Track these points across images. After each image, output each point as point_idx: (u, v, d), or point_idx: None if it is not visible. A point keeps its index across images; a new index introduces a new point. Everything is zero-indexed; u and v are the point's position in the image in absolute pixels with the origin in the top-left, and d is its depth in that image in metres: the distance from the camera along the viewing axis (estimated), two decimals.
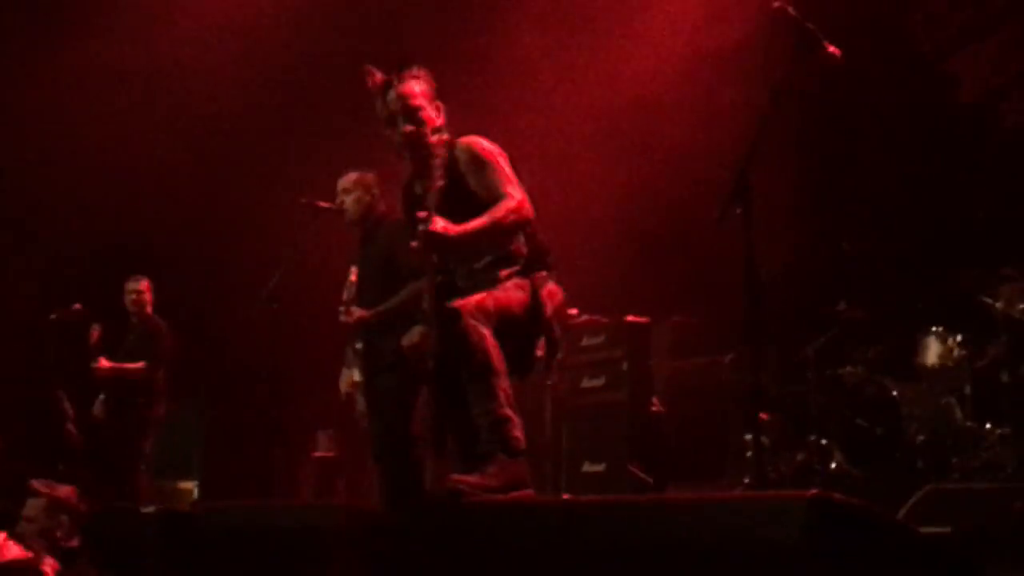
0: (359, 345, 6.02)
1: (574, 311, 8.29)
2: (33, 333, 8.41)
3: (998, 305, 6.72)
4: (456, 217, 4.06)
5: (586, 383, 7.81)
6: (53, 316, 8.09)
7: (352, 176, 6.16)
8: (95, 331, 8.04)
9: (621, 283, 8.40)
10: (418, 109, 4.26)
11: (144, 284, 8.46)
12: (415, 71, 4.33)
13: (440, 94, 4.34)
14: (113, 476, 8.00)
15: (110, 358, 8.13)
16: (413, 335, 4.48)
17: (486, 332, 4.01)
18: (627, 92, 8.02)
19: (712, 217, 3.67)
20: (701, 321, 8.00)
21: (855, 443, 7.01)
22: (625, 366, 7.63)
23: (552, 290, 4.33)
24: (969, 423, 6.78)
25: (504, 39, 8.24)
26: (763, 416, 7.39)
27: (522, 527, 3.41)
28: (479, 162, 4.21)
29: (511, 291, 4.21)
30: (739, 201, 3.60)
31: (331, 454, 9.72)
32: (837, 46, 3.98)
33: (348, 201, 6.11)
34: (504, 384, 4.03)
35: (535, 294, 4.26)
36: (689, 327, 8.08)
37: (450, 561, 3.72)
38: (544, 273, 4.33)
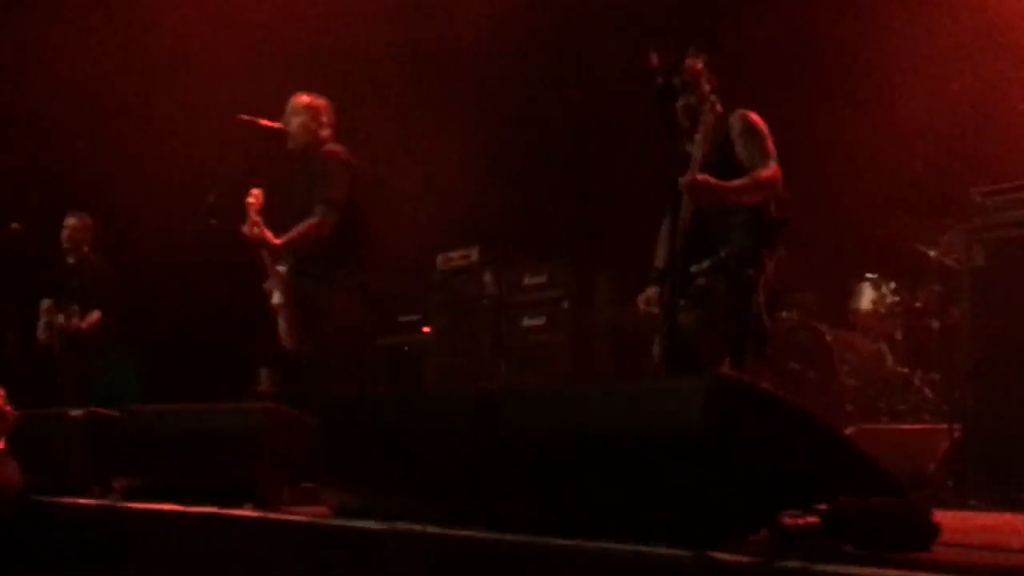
0: (282, 268, 5.98)
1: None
2: None
3: (932, 254, 6.82)
4: (716, 176, 4.60)
5: (526, 322, 7.85)
6: None
7: (303, 99, 6.12)
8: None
9: (565, 223, 8.43)
10: (698, 84, 4.78)
11: (86, 222, 8.22)
12: (694, 51, 4.84)
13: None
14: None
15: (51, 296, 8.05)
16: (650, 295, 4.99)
17: None
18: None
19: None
20: (644, 266, 8.04)
21: (787, 386, 7.09)
22: (566, 306, 7.68)
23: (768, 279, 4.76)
24: (900, 368, 6.91)
25: None
26: None
27: (437, 416, 3.46)
28: (751, 132, 4.78)
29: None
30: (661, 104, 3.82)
31: (273, 391, 9.67)
32: None
33: (294, 124, 6.08)
34: None
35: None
36: (632, 271, 8.11)
37: (369, 451, 3.76)
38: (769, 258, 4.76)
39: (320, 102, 6.16)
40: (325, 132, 6.14)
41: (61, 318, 8.03)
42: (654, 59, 4.64)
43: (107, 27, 9.15)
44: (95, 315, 8.08)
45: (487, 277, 8.11)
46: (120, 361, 9.18)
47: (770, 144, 4.78)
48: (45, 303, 8.07)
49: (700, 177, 4.53)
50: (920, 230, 6.91)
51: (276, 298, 5.99)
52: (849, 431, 5.92)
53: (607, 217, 8.33)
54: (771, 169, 4.71)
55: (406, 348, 8.66)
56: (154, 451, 4.78)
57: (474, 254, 8.23)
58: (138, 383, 9.61)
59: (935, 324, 6.72)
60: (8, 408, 5.01)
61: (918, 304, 7.00)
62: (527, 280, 7.91)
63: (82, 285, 8.14)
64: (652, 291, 5.03)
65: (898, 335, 7.05)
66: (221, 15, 8.66)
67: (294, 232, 5.92)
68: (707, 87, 4.82)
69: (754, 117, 4.84)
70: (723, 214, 4.76)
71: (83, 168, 9.04)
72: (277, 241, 5.89)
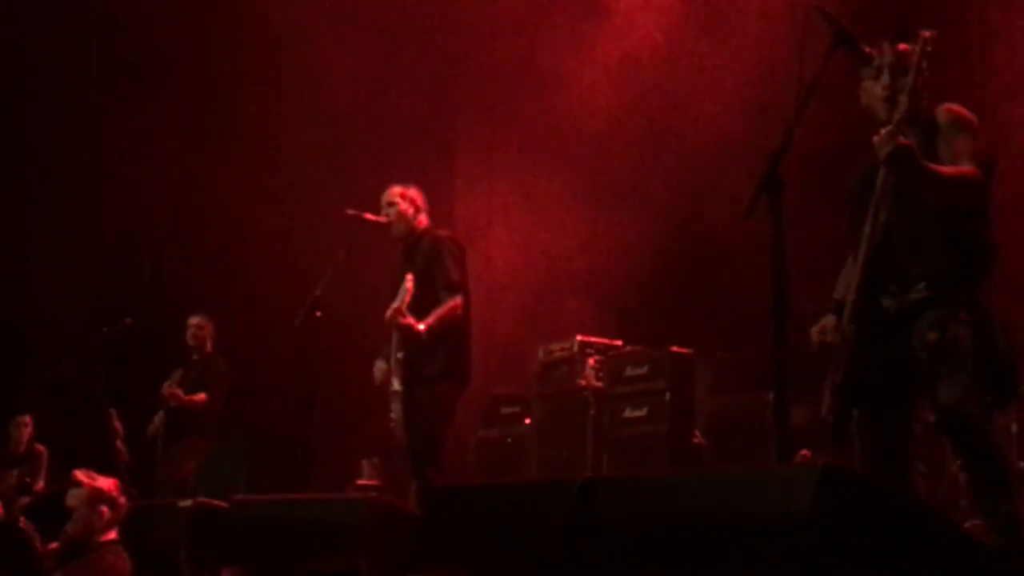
0: (400, 354, 6.08)
1: (618, 342, 8.35)
2: (85, 347, 8.60)
3: None
4: None
5: (628, 413, 7.80)
6: (105, 330, 8.29)
7: (396, 189, 6.34)
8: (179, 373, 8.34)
9: (666, 314, 8.40)
10: (914, 64, 4.09)
11: (204, 321, 8.82)
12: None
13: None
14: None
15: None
16: (825, 323, 4.27)
17: None
18: (669, 114, 8.12)
19: (741, 212, 3.67)
20: (746, 355, 7.96)
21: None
22: (667, 397, 7.62)
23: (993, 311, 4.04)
24: (1017, 463, 6.69)
25: (540, 54, 8.43)
26: (805, 453, 7.33)
27: (541, 505, 3.44)
28: (960, 125, 4.11)
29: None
30: (769, 195, 3.62)
31: (375, 483, 9.71)
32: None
33: (392, 213, 6.27)
34: None
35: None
36: (733, 361, 8.04)
37: (475, 544, 3.74)
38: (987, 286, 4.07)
39: (413, 190, 6.37)
40: (422, 218, 6.34)
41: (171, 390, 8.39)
42: (868, 50, 4.11)
43: (210, 140, 9.53)
44: (200, 395, 8.50)
45: (588, 369, 8.11)
46: (228, 452, 9.37)
47: (978, 143, 4.07)
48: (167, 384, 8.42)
49: (905, 141, 3.83)
50: None
51: (395, 385, 6.06)
52: (965, 527, 5.74)
53: (707, 306, 8.30)
54: (970, 169, 3.98)
55: (508, 440, 8.65)
56: (260, 542, 4.82)
57: (575, 345, 8.23)
58: (245, 474, 9.78)
59: None
60: (122, 499, 5.11)
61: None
62: (628, 371, 7.89)
63: (200, 378, 8.61)
64: (829, 319, 4.27)
65: (1013, 427, 6.83)
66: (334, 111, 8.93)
67: (432, 318, 6.01)
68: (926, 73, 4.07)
69: (965, 111, 4.16)
70: (921, 225, 4.04)
71: (190, 269, 9.36)
72: (421, 326, 5.96)
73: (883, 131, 3.91)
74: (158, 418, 8.56)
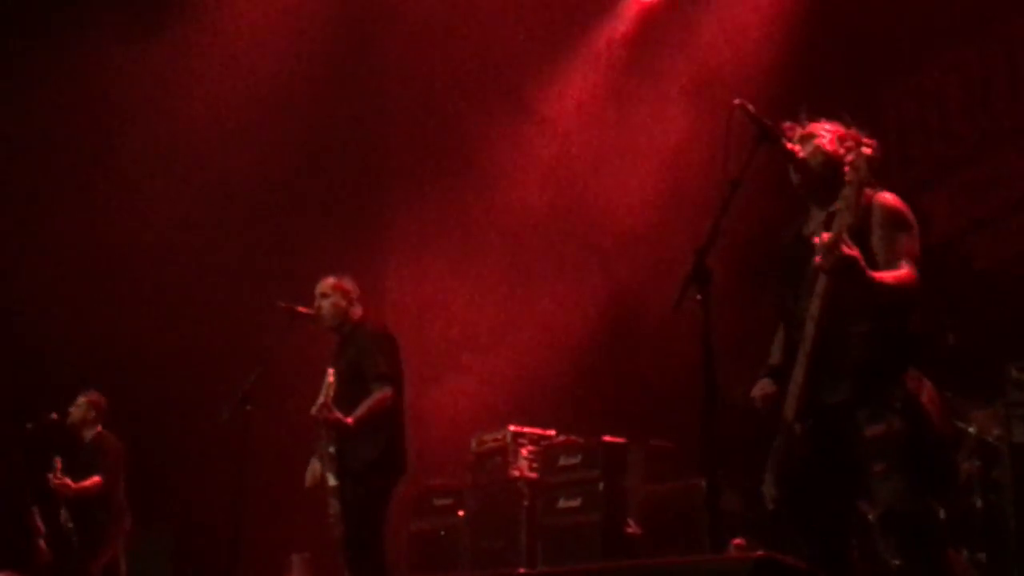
0: (332, 449, 6.04)
1: (551, 432, 8.35)
2: (8, 443, 8.38)
3: (971, 430, 6.75)
4: None
5: (562, 503, 7.78)
6: (29, 426, 8.07)
7: (330, 281, 6.34)
8: (57, 461, 8.04)
9: (598, 404, 8.44)
10: (823, 151, 4.17)
11: (98, 400, 8.43)
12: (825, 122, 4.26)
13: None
14: None
15: (70, 477, 8.12)
16: (766, 388, 4.21)
17: None
18: (601, 206, 8.25)
19: (671, 304, 3.73)
20: (678, 443, 8.01)
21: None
22: (601, 487, 7.63)
23: (932, 394, 4.00)
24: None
25: (475, 149, 8.55)
26: (737, 541, 7.35)
27: None
28: (897, 222, 4.01)
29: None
30: (697, 286, 3.69)
31: None
32: None
33: (325, 306, 6.27)
34: None
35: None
36: (666, 449, 8.08)
37: None
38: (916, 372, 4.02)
39: (345, 281, 6.40)
40: (355, 308, 6.35)
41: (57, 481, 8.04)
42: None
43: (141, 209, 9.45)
44: (94, 478, 8.12)
45: (521, 459, 8.09)
46: (153, 545, 9.14)
47: (915, 243, 4.00)
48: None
49: (849, 249, 3.71)
50: (956, 406, 6.85)
51: (331, 480, 6.01)
52: None
53: (639, 395, 8.35)
54: (911, 274, 3.92)
55: (441, 532, 8.56)
56: None
57: (507, 435, 8.22)
58: (170, 568, 9.56)
59: (978, 502, 6.60)
60: None
61: (959, 482, 6.87)
62: (562, 461, 7.89)
63: (93, 461, 8.26)
64: (768, 384, 4.24)
65: (941, 513, 6.89)
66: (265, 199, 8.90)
67: (362, 410, 5.99)
68: (848, 155, 4.02)
69: (903, 205, 4.06)
70: (849, 320, 3.94)
71: (119, 363, 9.22)
72: (349, 420, 5.94)
73: (826, 236, 3.80)
74: (63, 514, 8.23)
